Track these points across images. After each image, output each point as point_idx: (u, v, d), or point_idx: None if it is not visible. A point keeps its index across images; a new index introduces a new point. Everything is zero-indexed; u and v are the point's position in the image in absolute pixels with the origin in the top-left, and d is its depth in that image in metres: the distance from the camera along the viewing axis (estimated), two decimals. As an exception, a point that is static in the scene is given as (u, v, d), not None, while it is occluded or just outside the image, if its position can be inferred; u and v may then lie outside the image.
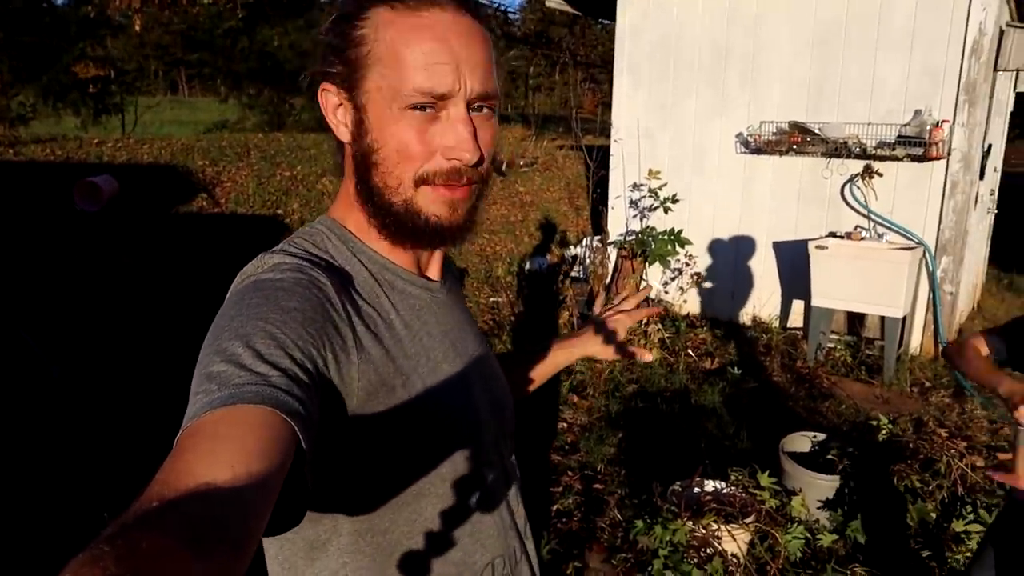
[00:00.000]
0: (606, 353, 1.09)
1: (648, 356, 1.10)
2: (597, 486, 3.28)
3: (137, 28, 9.07)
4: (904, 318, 4.48)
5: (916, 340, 4.89)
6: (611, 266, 6.03)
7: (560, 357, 1.13)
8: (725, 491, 2.62)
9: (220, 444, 0.50)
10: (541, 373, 1.12)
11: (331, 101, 0.77)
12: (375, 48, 0.72)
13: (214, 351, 0.60)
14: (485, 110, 0.76)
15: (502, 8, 14.84)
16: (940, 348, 4.71)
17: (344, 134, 0.77)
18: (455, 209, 0.77)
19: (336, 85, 0.75)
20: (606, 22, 6.07)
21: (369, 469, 0.72)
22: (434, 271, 0.87)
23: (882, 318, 4.51)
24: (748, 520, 2.44)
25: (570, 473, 3.40)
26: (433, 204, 0.75)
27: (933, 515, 2.70)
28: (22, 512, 2.74)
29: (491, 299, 6.17)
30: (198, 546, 0.41)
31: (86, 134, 11.71)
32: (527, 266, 7.08)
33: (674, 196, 5.25)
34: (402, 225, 0.77)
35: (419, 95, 0.70)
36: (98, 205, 6.95)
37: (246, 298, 0.66)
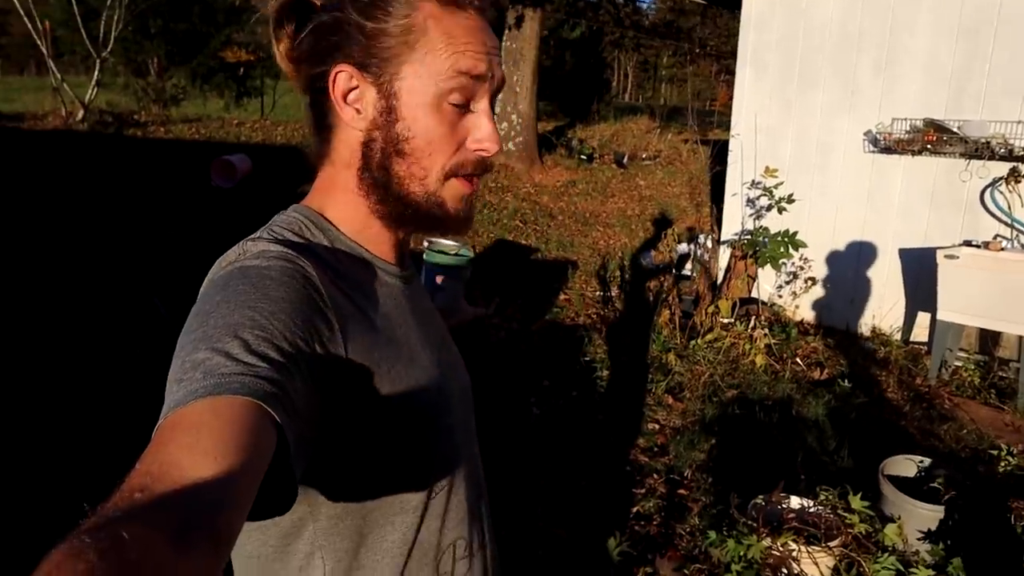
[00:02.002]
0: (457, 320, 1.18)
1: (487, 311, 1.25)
2: (681, 491, 3.18)
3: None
4: (1046, 339, 4.05)
5: (1060, 365, 4.42)
6: (722, 266, 5.82)
7: None
8: (811, 510, 2.47)
9: (204, 435, 0.50)
10: None
11: (344, 84, 0.75)
12: (420, 37, 0.73)
13: (199, 338, 0.59)
14: (494, 104, 0.80)
15: (632, -3, 14.55)
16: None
17: (355, 120, 0.76)
18: (470, 204, 0.81)
19: (358, 68, 0.74)
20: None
21: (352, 455, 0.72)
22: (404, 260, 0.88)
23: (1020, 337, 4.10)
24: (833, 544, 2.29)
25: (655, 476, 3.32)
26: (455, 199, 0.79)
27: (1053, 561, 2.43)
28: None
29: (597, 293, 6.11)
30: (180, 538, 0.41)
31: (228, 115, 12.51)
32: (637, 261, 6.95)
33: (790, 196, 4.98)
34: (420, 214, 0.78)
35: (459, 76, 0.73)
36: (232, 182, 7.43)
37: (231, 285, 0.65)
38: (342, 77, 0.75)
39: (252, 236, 0.74)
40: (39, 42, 10.29)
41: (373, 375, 0.72)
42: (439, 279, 1.24)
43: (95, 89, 10.46)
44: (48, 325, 4.38)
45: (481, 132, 0.77)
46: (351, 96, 0.75)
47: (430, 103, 0.73)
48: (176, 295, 4.73)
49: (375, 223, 0.81)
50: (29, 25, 10.15)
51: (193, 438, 0.49)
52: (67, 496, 2.77)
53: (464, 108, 0.76)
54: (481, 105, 0.77)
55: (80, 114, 9.80)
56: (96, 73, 10.59)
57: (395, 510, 0.78)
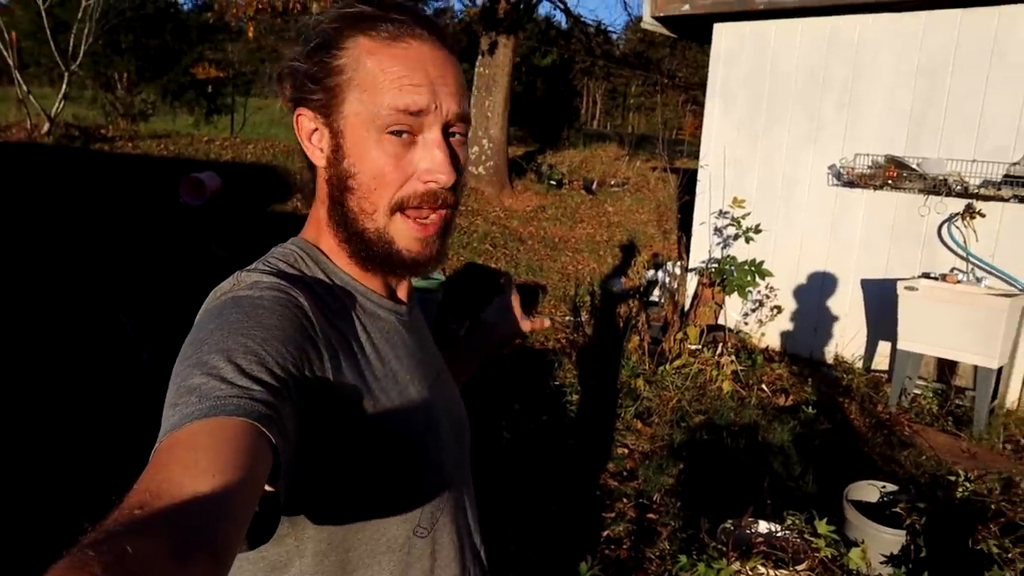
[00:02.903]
0: (512, 333, 1.24)
1: (545, 323, 1.28)
2: (651, 515, 3.22)
3: (250, 34, 9.55)
4: (1000, 369, 4.19)
5: (1014, 393, 4.57)
6: (689, 293, 5.92)
7: (479, 351, 1.23)
8: (779, 534, 2.52)
9: (201, 454, 0.50)
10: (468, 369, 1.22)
11: (307, 126, 0.78)
12: (354, 75, 0.74)
13: (194, 364, 0.60)
14: (457, 136, 0.79)
15: (604, 27, 14.81)
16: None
17: (319, 158, 0.79)
18: (427, 244, 0.80)
19: (312, 110, 0.77)
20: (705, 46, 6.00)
21: (336, 488, 0.72)
22: (401, 294, 0.89)
23: (975, 367, 4.24)
24: (800, 568, 2.34)
25: (625, 500, 3.35)
26: (405, 238, 0.78)
27: (1009, 584, 2.51)
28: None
29: (566, 318, 6.16)
30: (181, 552, 0.41)
31: (198, 132, 12.40)
32: (606, 287, 7.03)
33: (757, 226, 5.11)
34: (373, 252, 0.79)
35: (395, 113, 0.73)
36: (201, 200, 7.36)
37: (225, 314, 0.66)
38: (303, 120, 0.78)
39: (247, 268, 0.76)
40: (5, 53, 10.12)
41: (360, 405, 0.72)
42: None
43: (62, 102, 10.30)
44: (11, 341, 4.28)
45: (429, 163, 0.75)
46: (314, 137, 0.79)
47: (372, 139, 0.74)
48: (142, 312, 4.66)
49: (353, 259, 0.82)
50: (-6, 35, 9.99)
51: (191, 457, 0.50)
52: (33, 512, 2.71)
53: (409, 140, 0.75)
54: (431, 136, 0.75)
55: (46, 127, 9.64)
56: (64, 86, 10.44)
57: (381, 548, 0.77)
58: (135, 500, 0.46)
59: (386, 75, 0.73)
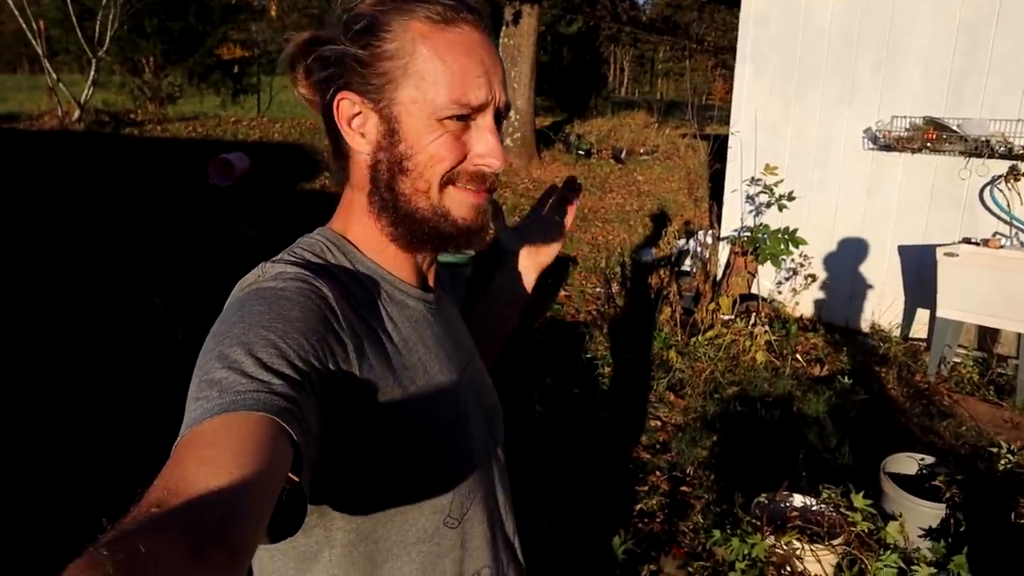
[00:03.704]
0: (552, 248, 1.11)
1: (569, 218, 1.12)
2: (684, 489, 3.20)
3: (273, 13, 9.56)
4: (1045, 336, 4.08)
5: (1059, 360, 4.44)
6: (722, 263, 5.84)
7: (517, 287, 1.12)
8: (814, 508, 2.49)
9: (220, 450, 0.50)
10: (511, 314, 1.14)
11: (348, 111, 0.76)
12: (409, 62, 0.73)
13: (215, 357, 0.60)
14: (502, 121, 0.79)
15: (629, -8, 14.54)
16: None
17: (361, 144, 0.77)
18: (480, 212, 0.80)
19: (359, 95, 0.75)
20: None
21: (364, 478, 0.72)
22: (429, 281, 0.88)
23: (1019, 335, 4.13)
24: (836, 542, 2.31)
25: (658, 473, 3.34)
26: (461, 207, 0.78)
27: (1054, 557, 2.45)
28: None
29: (596, 289, 6.13)
30: (197, 550, 0.41)
31: (225, 112, 12.48)
32: (637, 257, 6.97)
33: (790, 193, 4.99)
34: (427, 229, 0.79)
35: (458, 107, 0.73)
36: (230, 180, 7.42)
37: (248, 305, 0.66)
38: (344, 104, 0.76)
39: (272, 259, 0.75)
40: (34, 41, 10.25)
41: (386, 395, 0.72)
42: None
43: (91, 88, 10.43)
44: (48, 326, 4.38)
45: (484, 147, 0.76)
46: (355, 122, 0.77)
47: (430, 124, 0.74)
48: (176, 294, 4.74)
49: (391, 245, 0.81)
50: (23, 24, 10.11)
51: (209, 453, 0.50)
52: (69, 499, 2.78)
53: (465, 124, 0.76)
54: (485, 121, 0.77)
55: (76, 114, 9.78)
56: (92, 72, 10.56)
57: (411, 539, 0.77)
58: (153, 498, 0.46)
59: (446, 65, 0.73)
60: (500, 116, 0.79)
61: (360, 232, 0.81)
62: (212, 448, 0.51)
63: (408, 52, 0.73)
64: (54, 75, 10.04)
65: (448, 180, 0.77)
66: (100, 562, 0.37)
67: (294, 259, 0.75)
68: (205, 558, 0.42)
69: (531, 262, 1.11)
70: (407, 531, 0.77)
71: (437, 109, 0.73)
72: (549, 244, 1.11)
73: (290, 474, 0.55)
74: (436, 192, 0.77)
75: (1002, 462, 2.81)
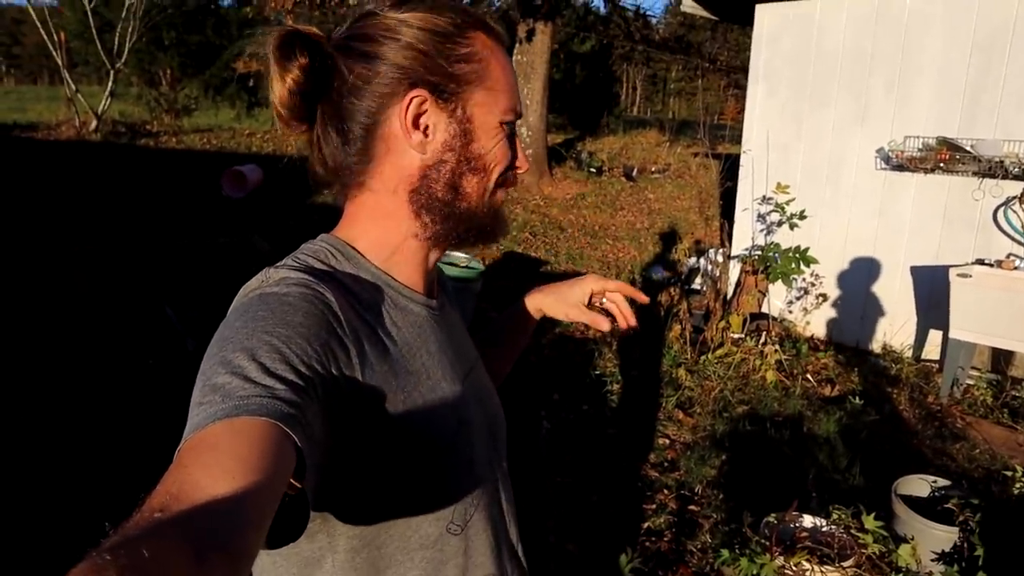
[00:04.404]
0: (570, 313, 1.16)
1: (605, 325, 1.12)
2: (692, 507, 3.17)
3: (289, 27, 9.68)
4: (1060, 359, 4.03)
5: (1074, 384, 4.39)
6: (732, 281, 5.82)
7: (528, 322, 1.18)
8: (824, 529, 2.46)
9: (223, 456, 0.50)
10: (518, 343, 1.20)
11: (416, 108, 0.76)
12: (483, 69, 0.79)
13: (218, 362, 0.60)
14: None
15: (643, 12, 14.64)
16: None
17: (422, 144, 0.77)
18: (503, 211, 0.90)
19: (432, 94, 0.76)
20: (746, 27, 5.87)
21: (367, 484, 0.72)
22: (432, 288, 0.88)
23: (1033, 357, 4.08)
24: (847, 564, 2.27)
25: (666, 491, 3.31)
26: (502, 206, 0.87)
27: (1070, 583, 2.41)
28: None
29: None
30: (199, 556, 0.42)
31: (239, 125, 12.59)
32: (647, 275, 6.95)
33: (802, 212, 4.98)
34: (478, 226, 0.84)
35: (513, 114, 0.82)
36: (243, 192, 7.47)
37: (251, 311, 0.66)
38: (416, 102, 0.76)
39: (276, 264, 0.76)
40: (54, 53, 10.40)
41: (388, 402, 0.72)
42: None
43: (108, 99, 10.55)
44: (61, 334, 4.40)
45: (520, 155, 0.85)
46: (421, 120, 0.77)
47: (495, 127, 0.80)
48: (187, 305, 4.75)
49: (407, 249, 0.82)
50: (45, 36, 10.27)
51: (212, 458, 0.50)
52: (75, 503, 2.78)
53: (509, 130, 0.83)
54: (514, 133, 0.85)
55: (93, 124, 9.90)
56: (110, 83, 10.69)
57: (413, 545, 0.77)
58: (156, 502, 0.46)
59: (505, 76, 0.82)
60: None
61: (373, 238, 0.81)
62: (215, 453, 0.51)
63: (483, 59, 0.79)
64: (73, 86, 10.18)
65: (500, 182, 0.83)
66: (103, 566, 0.37)
67: (297, 265, 0.75)
68: (207, 563, 0.42)
69: (547, 307, 1.18)
70: (410, 537, 0.76)
71: (499, 113, 0.80)
72: (571, 306, 1.16)
73: (293, 480, 0.54)
74: (491, 191, 0.83)
75: (1016, 486, 2.77)
